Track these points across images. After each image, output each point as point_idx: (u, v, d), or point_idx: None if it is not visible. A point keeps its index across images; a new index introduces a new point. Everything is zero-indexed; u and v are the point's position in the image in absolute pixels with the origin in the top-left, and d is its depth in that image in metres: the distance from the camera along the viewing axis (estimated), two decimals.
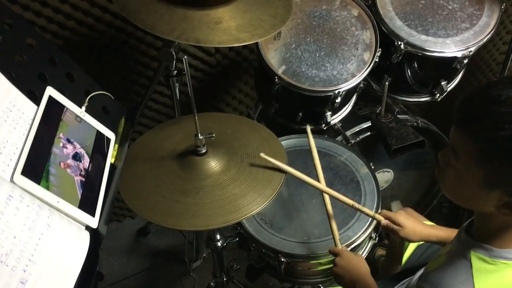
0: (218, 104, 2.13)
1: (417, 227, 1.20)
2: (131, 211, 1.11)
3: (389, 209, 1.61)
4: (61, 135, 0.92)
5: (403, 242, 1.42)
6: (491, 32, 1.60)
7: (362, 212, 1.25)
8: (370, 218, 1.36)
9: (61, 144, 0.90)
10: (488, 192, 0.77)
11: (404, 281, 1.22)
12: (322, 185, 1.29)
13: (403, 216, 1.20)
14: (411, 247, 1.39)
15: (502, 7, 1.64)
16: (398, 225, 1.18)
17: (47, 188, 0.82)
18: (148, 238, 2.27)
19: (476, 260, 0.82)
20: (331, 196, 1.27)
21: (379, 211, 1.39)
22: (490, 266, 0.81)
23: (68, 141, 0.93)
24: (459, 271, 0.82)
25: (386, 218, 1.22)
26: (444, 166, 0.85)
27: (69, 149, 0.92)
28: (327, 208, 1.29)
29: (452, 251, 0.88)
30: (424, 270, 0.90)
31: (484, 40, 1.60)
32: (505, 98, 0.71)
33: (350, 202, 1.23)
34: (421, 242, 1.38)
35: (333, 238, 1.25)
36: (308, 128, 1.47)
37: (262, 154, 1.19)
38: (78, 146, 0.94)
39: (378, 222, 1.24)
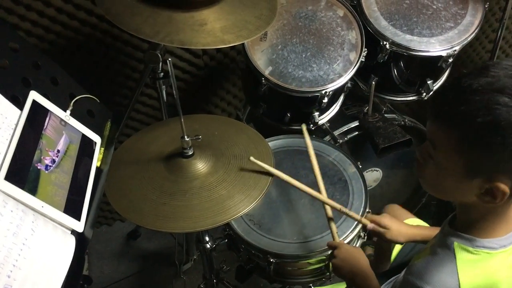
0: (206, 106, 2.12)
1: (402, 228, 1.21)
2: (121, 215, 1.11)
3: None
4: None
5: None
6: (475, 31, 1.62)
7: (349, 216, 1.26)
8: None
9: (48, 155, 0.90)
10: (469, 181, 0.78)
11: (392, 278, 1.23)
12: (316, 192, 1.29)
13: (387, 218, 1.22)
14: (398, 246, 1.40)
15: (486, 6, 1.66)
16: (384, 227, 1.20)
17: (32, 192, 0.82)
18: (138, 241, 2.26)
19: (460, 251, 0.83)
20: (318, 199, 1.27)
21: (367, 210, 1.40)
22: (474, 256, 0.82)
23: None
24: (443, 262, 0.83)
25: (372, 221, 1.23)
26: (423, 161, 0.86)
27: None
28: (324, 200, 1.29)
29: (436, 243, 0.89)
30: (410, 263, 0.90)
31: (469, 39, 1.61)
32: (477, 86, 0.72)
33: (338, 206, 1.24)
34: None
35: (331, 231, 1.26)
36: (304, 127, 1.47)
37: (251, 158, 1.19)
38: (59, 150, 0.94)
39: (364, 226, 1.25)
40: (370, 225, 1.22)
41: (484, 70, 0.74)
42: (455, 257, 0.82)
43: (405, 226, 1.23)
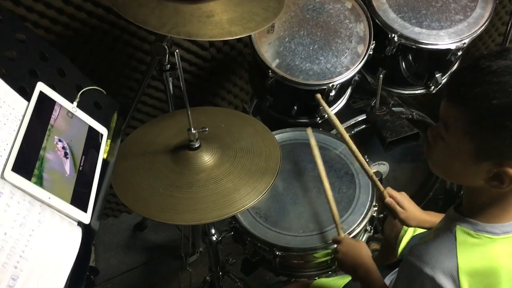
0: (213, 99, 2.12)
1: (417, 212, 1.22)
2: (127, 206, 1.11)
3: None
4: (55, 137, 0.91)
5: (398, 235, 1.42)
6: (485, 24, 1.60)
7: (375, 184, 1.27)
8: (365, 211, 1.36)
9: (54, 147, 0.90)
10: (478, 165, 0.78)
11: (396, 269, 1.22)
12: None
13: (407, 199, 1.22)
14: (404, 240, 1.39)
15: None
16: (401, 206, 1.20)
17: (39, 184, 0.82)
18: (144, 233, 2.27)
19: (461, 234, 0.83)
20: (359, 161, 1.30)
21: (374, 203, 1.39)
22: (474, 239, 0.82)
23: (59, 140, 0.92)
24: (443, 244, 0.83)
25: (391, 196, 1.23)
26: (433, 142, 0.85)
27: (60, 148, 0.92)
28: (329, 198, 1.31)
29: (440, 227, 0.89)
30: (412, 246, 0.90)
31: (478, 32, 1.60)
32: (496, 68, 0.72)
33: (371, 172, 1.26)
34: (415, 234, 1.39)
35: (336, 227, 1.27)
36: (309, 131, 1.47)
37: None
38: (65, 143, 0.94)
39: (383, 199, 1.24)
40: (388, 199, 1.22)
41: (505, 53, 0.74)
42: (455, 240, 0.82)
43: (420, 211, 1.23)
